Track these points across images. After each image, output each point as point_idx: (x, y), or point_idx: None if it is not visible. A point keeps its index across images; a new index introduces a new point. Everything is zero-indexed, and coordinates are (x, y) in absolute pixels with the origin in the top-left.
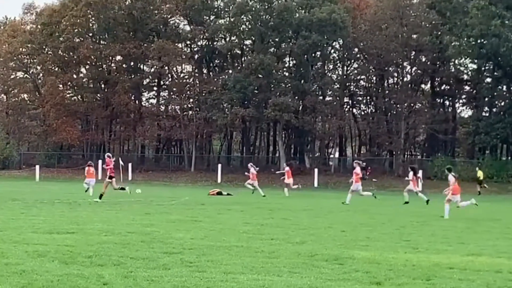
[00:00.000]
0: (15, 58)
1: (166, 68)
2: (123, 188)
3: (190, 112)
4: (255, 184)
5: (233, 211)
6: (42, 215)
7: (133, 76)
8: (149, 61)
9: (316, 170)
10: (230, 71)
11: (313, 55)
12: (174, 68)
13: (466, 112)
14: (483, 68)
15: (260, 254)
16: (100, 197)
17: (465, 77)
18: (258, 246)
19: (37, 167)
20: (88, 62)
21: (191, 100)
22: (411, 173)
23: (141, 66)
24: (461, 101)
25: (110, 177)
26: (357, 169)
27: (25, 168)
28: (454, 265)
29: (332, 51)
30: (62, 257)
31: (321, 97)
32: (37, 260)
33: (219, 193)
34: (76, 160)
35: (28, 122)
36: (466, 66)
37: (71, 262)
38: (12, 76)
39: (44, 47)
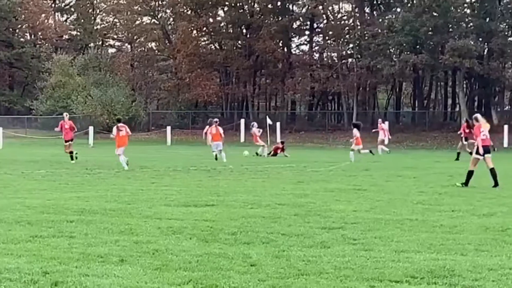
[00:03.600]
0: (140, 1)
1: (320, 7)
2: None
3: (350, 60)
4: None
5: (404, 178)
6: (176, 185)
7: (280, 18)
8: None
9: (506, 127)
10: (398, 10)
11: None
12: (330, 8)
13: None
14: None
15: (439, 229)
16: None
17: None
18: (436, 219)
19: (168, 128)
20: (227, 3)
21: (351, 45)
22: (355, 130)
23: (290, 6)
24: None
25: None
26: None
27: (154, 130)
28: None
29: None
30: (201, 234)
31: (511, 39)
32: (171, 238)
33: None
34: None
35: (157, 75)
36: None
37: (211, 239)
38: (137, 22)
39: None
